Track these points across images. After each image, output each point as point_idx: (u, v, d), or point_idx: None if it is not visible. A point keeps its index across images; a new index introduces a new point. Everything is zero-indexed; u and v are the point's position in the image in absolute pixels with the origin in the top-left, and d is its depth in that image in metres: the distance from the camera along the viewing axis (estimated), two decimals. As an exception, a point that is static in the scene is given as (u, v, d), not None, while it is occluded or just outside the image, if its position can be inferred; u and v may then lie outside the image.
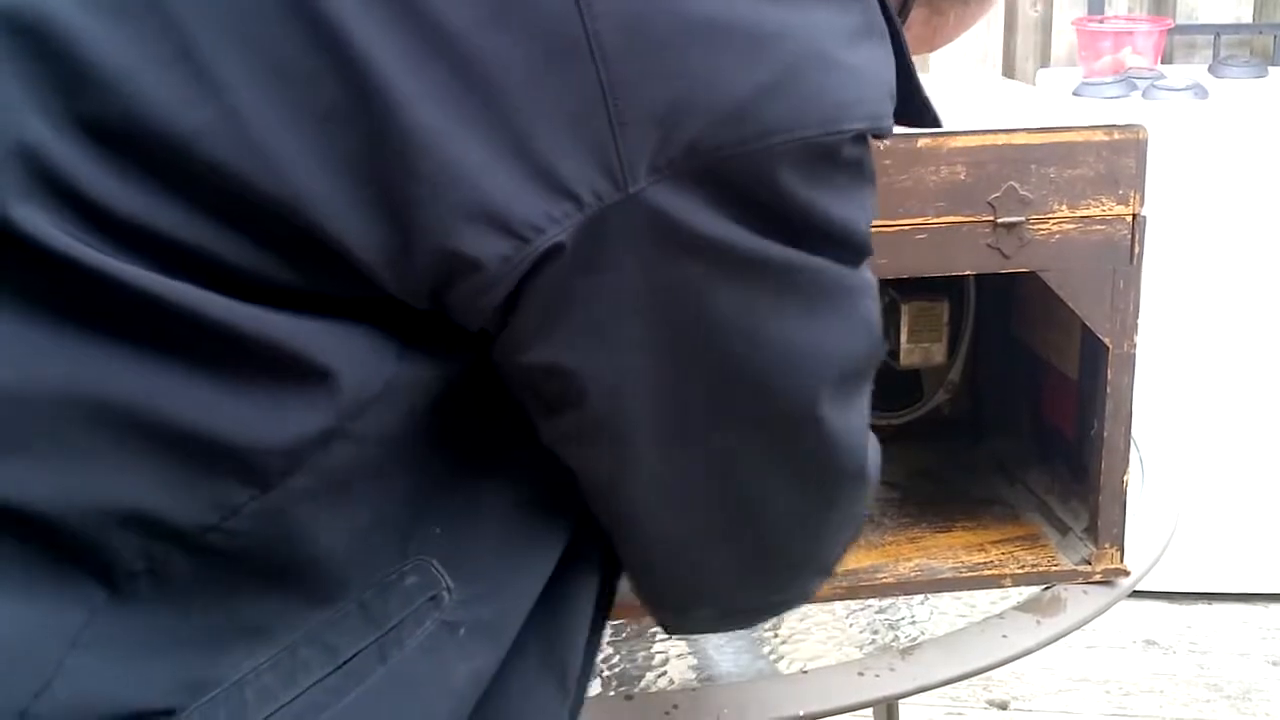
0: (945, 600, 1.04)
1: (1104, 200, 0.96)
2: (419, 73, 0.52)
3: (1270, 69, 2.61)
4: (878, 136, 0.60)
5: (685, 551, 0.68)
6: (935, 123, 0.69)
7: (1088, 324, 0.99)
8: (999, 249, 0.95)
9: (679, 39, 0.54)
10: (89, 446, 0.52)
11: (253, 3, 0.53)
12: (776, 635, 0.99)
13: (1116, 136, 0.94)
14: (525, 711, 0.64)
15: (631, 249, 0.55)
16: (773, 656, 0.97)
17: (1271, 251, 2.40)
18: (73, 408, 0.52)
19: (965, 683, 1.80)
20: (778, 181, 0.56)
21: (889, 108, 0.60)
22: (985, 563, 1.07)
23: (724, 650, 0.98)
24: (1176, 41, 2.81)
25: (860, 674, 0.94)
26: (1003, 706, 2.26)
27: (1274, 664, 2.38)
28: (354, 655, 0.57)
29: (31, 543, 0.52)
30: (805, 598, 0.76)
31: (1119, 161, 0.95)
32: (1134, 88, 2.47)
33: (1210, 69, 2.63)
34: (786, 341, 0.61)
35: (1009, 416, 1.24)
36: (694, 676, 0.94)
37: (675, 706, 0.89)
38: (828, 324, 0.62)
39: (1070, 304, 0.98)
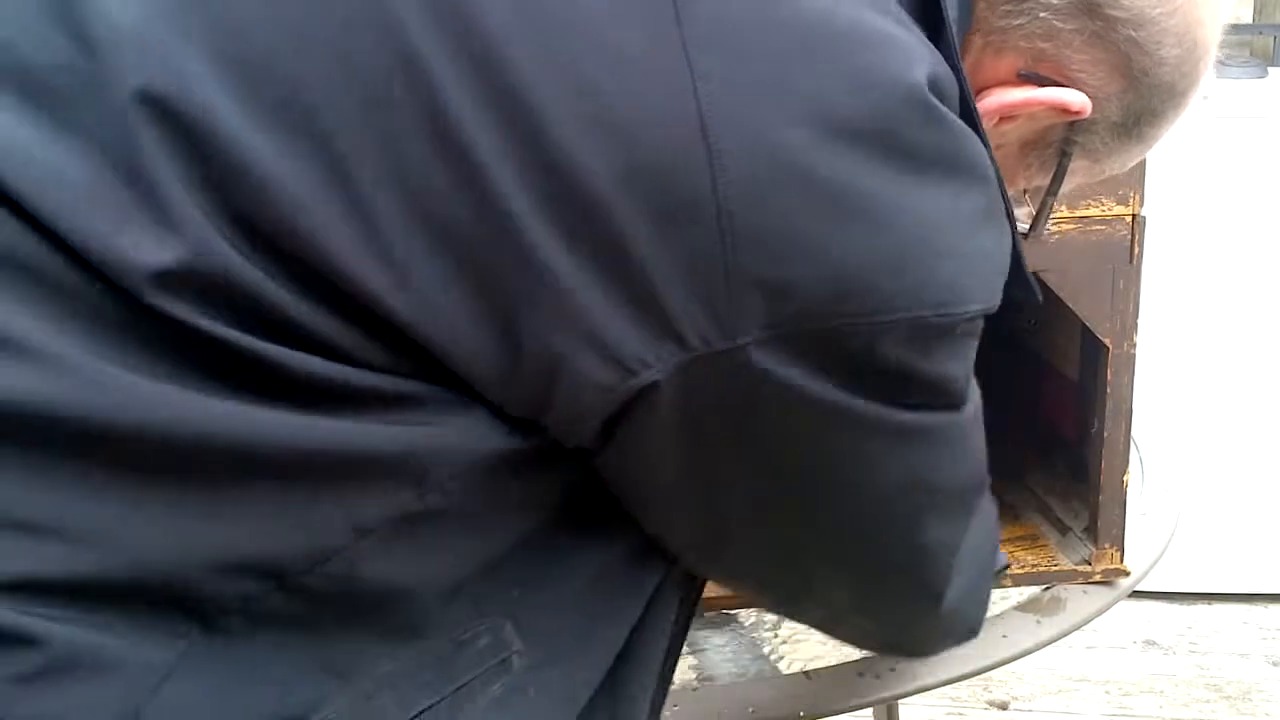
0: (945, 600, 1.04)
1: (1104, 200, 0.95)
2: (555, 219, 0.55)
3: (1270, 69, 2.61)
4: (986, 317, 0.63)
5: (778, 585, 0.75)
6: (1037, 304, 0.70)
7: (1088, 324, 0.99)
8: (999, 249, 0.95)
9: (803, 214, 0.56)
10: (213, 493, 0.55)
11: (401, 127, 0.55)
12: (776, 635, 0.99)
13: (1116, 136, 0.94)
14: None
15: (726, 394, 0.58)
16: (773, 656, 0.97)
17: (1271, 252, 2.40)
18: (210, 453, 0.54)
19: (965, 683, 1.79)
20: (879, 351, 0.58)
21: (1000, 286, 0.63)
22: (985, 563, 1.06)
23: (724, 650, 0.98)
24: (1176, 41, 2.81)
25: (860, 674, 0.94)
26: (1003, 707, 2.26)
27: (1274, 664, 2.38)
28: (424, 710, 0.59)
29: (138, 582, 0.54)
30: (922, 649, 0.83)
31: (1119, 161, 0.95)
32: (1134, 88, 2.46)
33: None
34: (889, 484, 0.65)
35: (1009, 416, 1.24)
36: (694, 676, 0.94)
37: (675, 706, 0.89)
38: (935, 461, 0.66)
39: (1070, 304, 0.98)
